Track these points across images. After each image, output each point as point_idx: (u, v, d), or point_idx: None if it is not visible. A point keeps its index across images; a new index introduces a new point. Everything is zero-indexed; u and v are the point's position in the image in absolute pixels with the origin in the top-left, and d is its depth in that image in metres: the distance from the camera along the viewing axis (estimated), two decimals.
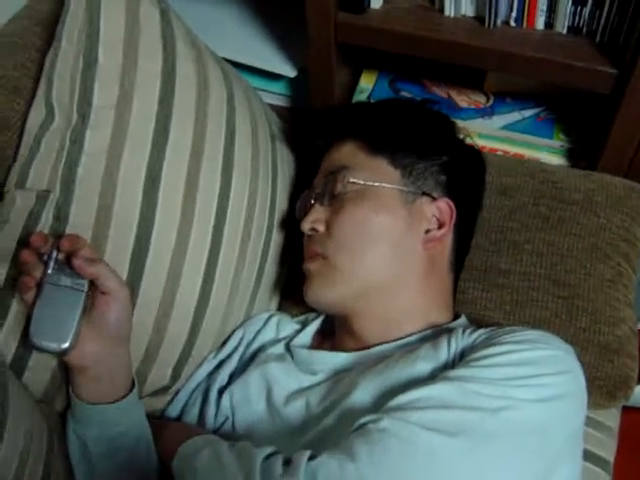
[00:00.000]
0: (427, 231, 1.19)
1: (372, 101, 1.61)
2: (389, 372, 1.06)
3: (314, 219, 1.21)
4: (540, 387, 0.97)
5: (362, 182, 1.18)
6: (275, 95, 1.65)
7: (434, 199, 1.20)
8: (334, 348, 1.22)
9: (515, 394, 0.95)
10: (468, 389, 0.95)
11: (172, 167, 1.14)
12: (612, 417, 1.39)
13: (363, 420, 0.93)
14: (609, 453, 1.35)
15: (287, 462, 0.91)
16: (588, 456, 1.30)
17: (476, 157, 1.33)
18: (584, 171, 1.44)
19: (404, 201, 1.18)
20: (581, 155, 1.52)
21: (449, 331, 1.11)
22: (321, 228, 1.20)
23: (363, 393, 1.05)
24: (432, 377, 1.01)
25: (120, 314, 1.05)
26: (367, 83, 1.63)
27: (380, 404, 0.98)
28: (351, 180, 1.19)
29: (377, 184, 1.18)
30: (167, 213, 1.13)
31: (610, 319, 1.28)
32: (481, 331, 1.09)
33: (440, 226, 1.20)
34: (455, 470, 0.90)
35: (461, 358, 1.04)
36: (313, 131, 1.37)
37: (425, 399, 0.94)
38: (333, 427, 1.05)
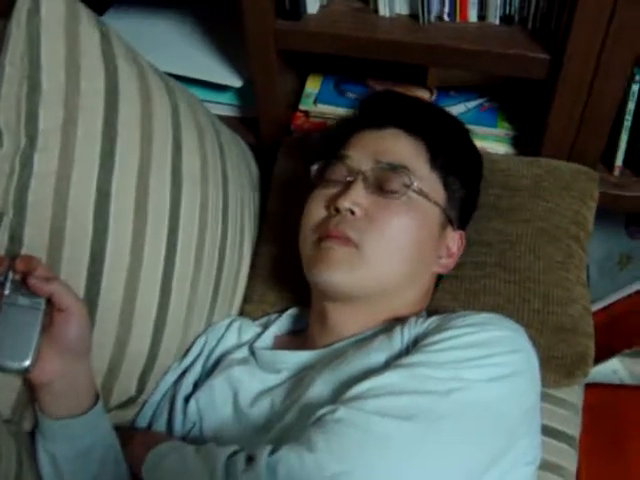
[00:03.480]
0: (439, 257, 1.24)
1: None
2: (346, 365, 1.09)
3: (356, 202, 1.16)
4: (491, 367, 1.00)
5: (426, 194, 1.18)
6: (224, 106, 1.66)
7: (453, 229, 1.25)
8: (301, 347, 1.23)
9: (466, 375, 0.98)
10: (419, 374, 0.98)
11: (121, 185, 1.15)
12: (575, 394, 1.41)
13: (320, 412, 0.96)
14: (574, 429, 1.37)
15: (250, 459, 0.94)
16: (554, 433, 1.33)
17: (478, 194, 1.35)
18: (531, 157, 1.46)
19: (440, 224, 1.22)
20: (526, 142, 1.53)
21: (403, 321, 1.13)
22: (360, 214, 1.16)
23: (321, 387, 1.08)
24: (386, 366, 1.03)
25: (79, 329, 1.06)
26: (313, 87, 1.64)
27: (338, 396, 1.00)
28: (416, 187, 1.18)
29: (434, 202, 1.20)
30: (119, 230, 1.15)
31: (562, 299, 1.31)
32: (433, 318, 1.11)
33: (449, 255, 1.25)
34: (410, 453, 0.92)
35: (414, 346, 1.06)
36: (383, 108, 1.33)
37: (378, 387, 0.97)
38: (294, 423, 1.07)
